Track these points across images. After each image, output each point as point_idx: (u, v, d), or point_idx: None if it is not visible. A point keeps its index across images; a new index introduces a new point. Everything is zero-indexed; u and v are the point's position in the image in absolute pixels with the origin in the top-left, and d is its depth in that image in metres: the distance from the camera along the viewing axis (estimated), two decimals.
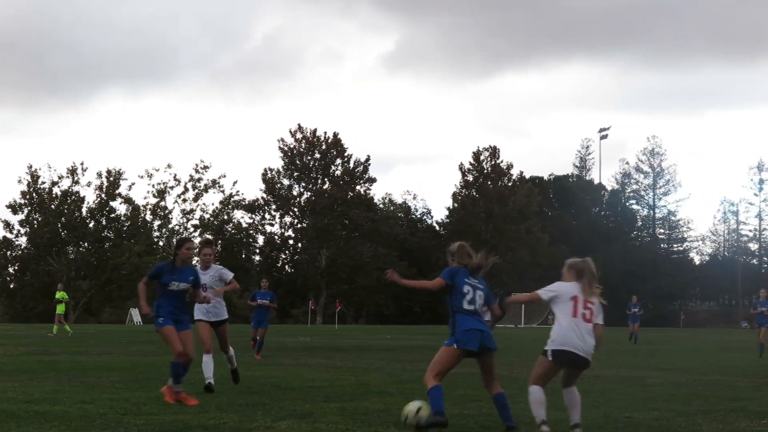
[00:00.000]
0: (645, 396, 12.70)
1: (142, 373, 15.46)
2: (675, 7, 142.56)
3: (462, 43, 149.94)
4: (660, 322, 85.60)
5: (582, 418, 8.57)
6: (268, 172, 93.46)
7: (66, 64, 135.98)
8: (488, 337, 8.44)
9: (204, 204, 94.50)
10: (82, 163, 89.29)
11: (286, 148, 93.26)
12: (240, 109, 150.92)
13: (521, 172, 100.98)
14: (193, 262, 12.79)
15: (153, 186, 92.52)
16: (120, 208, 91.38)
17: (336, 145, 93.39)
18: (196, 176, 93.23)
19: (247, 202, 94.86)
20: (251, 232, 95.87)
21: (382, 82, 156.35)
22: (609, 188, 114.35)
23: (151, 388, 12.03)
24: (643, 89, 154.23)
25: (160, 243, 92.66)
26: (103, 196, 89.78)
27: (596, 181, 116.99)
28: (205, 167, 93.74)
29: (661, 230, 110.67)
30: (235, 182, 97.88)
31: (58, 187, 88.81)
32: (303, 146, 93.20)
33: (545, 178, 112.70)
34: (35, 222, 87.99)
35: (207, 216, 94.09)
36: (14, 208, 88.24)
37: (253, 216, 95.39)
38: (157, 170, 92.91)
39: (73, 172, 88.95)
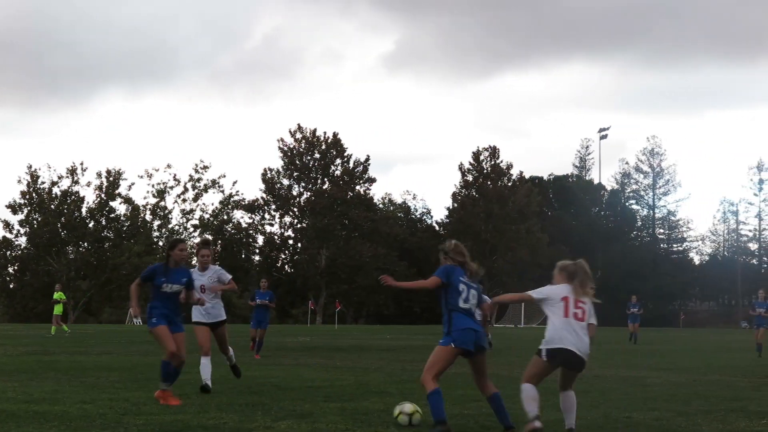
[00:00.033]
0: (645, 396, 12.70)
1: (141, 373, 15.45)
2: (675, 7, 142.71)
3: (462, 43, 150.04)
4: (660, 322, 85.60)
5: (582, 418, 8.59)
6: (268, 172, 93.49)
7: (66, 64, 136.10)
8: (482, 336, 8.49)
9: (204, 204, 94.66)
10: (81, 163, 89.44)
11: (285, 148, 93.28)
12: (240, 109, 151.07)
13: (521, 172, 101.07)
14: (193, 262, 12.78)
15: (153, 186, 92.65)
16: (120, 208, 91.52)
17: (336, 145, 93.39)
18: (196, 176, 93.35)
19: (246, 202, 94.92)
20: (251, 232, 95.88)
21: (382, 82, 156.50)
22: (609, 188, 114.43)
23: (151, 388, 12.01)
24: (643, 89, 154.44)
25: (160, 243, 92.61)
26: (102, 196, 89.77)
27: (596, 181, 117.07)
28: (205, 167, 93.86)
29: (661, 230, 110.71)
30: (235, 182, 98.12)
31: (58, 187, 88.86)
32: (303, 146, 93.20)
33: (545, 178, 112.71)
34: (35, 222, 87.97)
35: (207, 216, 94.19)
36: (14, 208, 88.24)
37: (253, 216, 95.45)
38: (157, 170, 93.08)
39: (72, 172, 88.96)
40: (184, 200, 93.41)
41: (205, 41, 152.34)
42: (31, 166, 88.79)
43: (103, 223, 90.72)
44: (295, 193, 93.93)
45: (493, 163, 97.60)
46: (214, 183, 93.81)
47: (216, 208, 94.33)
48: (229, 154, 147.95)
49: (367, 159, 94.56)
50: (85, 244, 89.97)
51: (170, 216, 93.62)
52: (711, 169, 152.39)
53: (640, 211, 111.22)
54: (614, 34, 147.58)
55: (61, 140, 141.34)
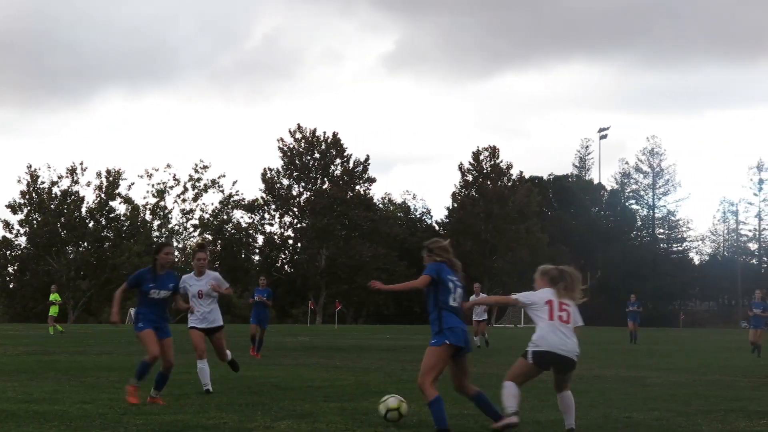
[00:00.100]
0: (645, 396, 12.69)
1: None
2: (675, 7, 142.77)
3: (462, 43, 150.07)
4: (660, 322, 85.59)
5: (582, 418, 8.60)
6: (268, 172, 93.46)
7: (66, 64, 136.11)
8: (468, 335, 8.45)
9: (203, 204, 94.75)
10: (81, 163, 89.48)
11: (285, 148, 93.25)
12: (240, 109, 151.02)
13: (521, 172, 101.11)
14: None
15: (153, 186, 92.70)
16: (119, 208, 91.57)
17: (335, 145, 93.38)
18: (196, 176, 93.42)
19: (246, 202, 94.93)
20: (251, 232, 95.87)
21: (382, 82, 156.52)
22: (608, 188, 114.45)
23: (150, 389, 12.02)
24: (643, 89, 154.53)
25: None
26: (102, 196, 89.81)
27: (596, 181, 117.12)
28: (205, 167, 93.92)
29: (661, 230, 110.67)
30: (235, 182, 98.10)
31: (58, 187, 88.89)
32: (302, 146, 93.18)
33: (545, 178, 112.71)
34: (35, 222, 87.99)
35: (206, 216, 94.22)
36: (14, 208, 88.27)
37: (253, 216, 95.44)
38: (157, 170, 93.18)
39: (72, 172, 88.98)
40: (184, 200, 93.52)
41: (205, 41, 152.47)
42: (31, 166, 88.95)
43: (103, 222, 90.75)
44: (294, 193, 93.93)
45: (493, 163, 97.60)
46: (214, 183, 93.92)
47: (216, 208, 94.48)
48: (229, 154, 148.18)
49: (367, 159, 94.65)
50: (85, 244, 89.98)
51: (170, 216, 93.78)
52: (711, 169, 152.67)
53: (640, 211, 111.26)
54: (614, 34, 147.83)
55: (61, 140, 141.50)
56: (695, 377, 16.65)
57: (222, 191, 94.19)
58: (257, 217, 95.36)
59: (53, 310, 37.91)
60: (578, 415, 8.94)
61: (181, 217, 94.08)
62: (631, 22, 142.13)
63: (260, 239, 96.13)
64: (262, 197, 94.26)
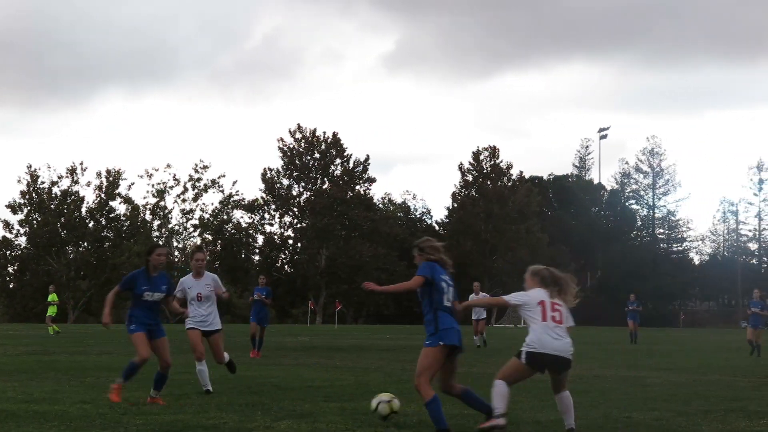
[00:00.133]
0: (645, 396, 12.69)
1: (141, 373, 15.40)
2: (675, 7, 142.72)
3: (462, 43, 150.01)
4: (660, 322, 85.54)
5: (582, 418, 8.59)
6: (268, 171, 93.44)
7: (66, 64, 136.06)
8: (462, 336, 8.45)
9: (204, 204, 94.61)
10: (81, 163, 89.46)
11: (285, 148, 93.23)
12: (240, 109, 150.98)
13: (521, 172, 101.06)
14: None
15: (153, 186, 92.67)
16: (119, 207, 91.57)
17: (335, 145, 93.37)
18: (196, 176, 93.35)
19: (246, 202, 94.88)
20: (251, 232, 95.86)
21: (382, 82, 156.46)
22: (608, 188, 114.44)
23: (150, 389, 12.02)
24: (643, 89, 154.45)
25: (160, 243, 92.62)
26: (102, 196, 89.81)
27: (596, 181, 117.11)
28: (205, 167, 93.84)
29: (661, 230, 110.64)
30: (235, 182, 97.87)
31: (58, 187, 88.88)
32: (302, 146, 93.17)
33: (545, 178, 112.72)
34: (35, 222, 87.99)
35: (206, 216, 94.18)
36: (14, 208, 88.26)
37: (253, 216, 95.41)
38: (157, 170, 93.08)
39: (72, 172, 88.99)
40: (184, 200, 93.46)
41: (205, 41, 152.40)
42: (30, 166, 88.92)
43: (103, 222, 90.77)
44: (294, 193, 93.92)
45: (493, 163, 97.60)
46: (213, 183, 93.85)
47: (216, 207, 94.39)
48: (229, 154, 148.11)
49: (367, 159, 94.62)
50: (85, 243, 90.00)
51: (170, 216, 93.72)
52: (711, 169, 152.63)
53: (640, 211, 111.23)
54: (614, 34, 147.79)
55: (61, 140, 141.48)
56: (695, 377, 16.65)
57: (222, 191, 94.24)
58: (257, 217, 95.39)
59: (51, 311, 38.08)
60: (578, 415, 8.94)
61: (181, 217, 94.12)
62: (631, 22, 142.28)
63: (260, 239, 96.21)
64: (262, 197, 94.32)
